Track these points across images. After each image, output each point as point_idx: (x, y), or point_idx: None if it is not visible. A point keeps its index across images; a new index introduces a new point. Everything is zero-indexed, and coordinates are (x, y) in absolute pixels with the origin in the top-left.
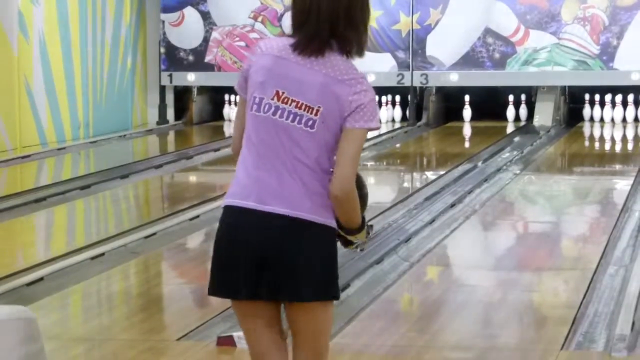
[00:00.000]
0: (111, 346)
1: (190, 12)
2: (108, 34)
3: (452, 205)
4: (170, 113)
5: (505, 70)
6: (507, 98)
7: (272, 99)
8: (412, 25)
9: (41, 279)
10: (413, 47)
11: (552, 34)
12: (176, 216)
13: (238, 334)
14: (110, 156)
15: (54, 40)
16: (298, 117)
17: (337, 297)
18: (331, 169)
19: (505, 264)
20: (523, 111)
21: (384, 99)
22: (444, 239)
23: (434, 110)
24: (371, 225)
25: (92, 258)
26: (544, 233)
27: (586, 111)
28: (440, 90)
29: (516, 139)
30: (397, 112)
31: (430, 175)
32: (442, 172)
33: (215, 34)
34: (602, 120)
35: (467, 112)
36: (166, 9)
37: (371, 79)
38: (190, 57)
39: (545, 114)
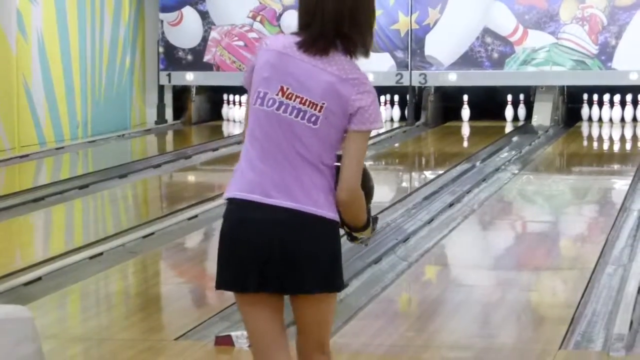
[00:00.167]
0: (109, 346)
1: (188, 12)
2: (106, 33)
3: (451, 205)
4: (168, 113)
5: (503, 70)
6: (505, 98)
7: (277, 95)
8: (411, 25)
9: (39, 278)
10: (412, 47)
11: (550, 34)
12: (174, 216)
13: (236, 334)
14: (109, 156)
15: (53, 40)
16: (302, 113)
17: (340, 289)
18: (333, 165)
19: (504, 264)
20: (521, 111)
21: (382, 98)
22: (442, 239)
23: (432, 109)
24: (376, 218)
25: (91, 257)
26: (543, 233)
27: (584, 111)
28: (439, 90)
29: (515, 138)
30: (396, 111)
31: (429, 174)
32: (440, 172)
33: (213, 34)
34: (600, 120)
35: (465, 112)
36: (165, 9)
37: (370, 78)
38: (189, 57)
39: (543, 114)
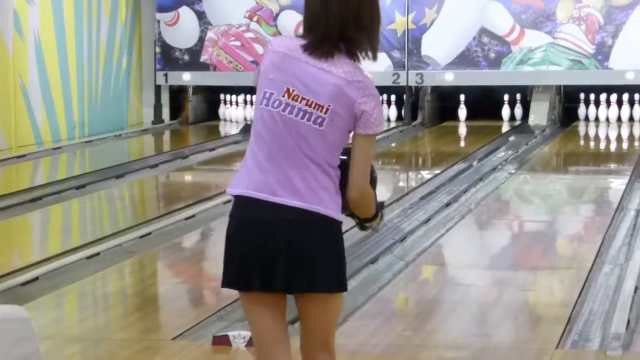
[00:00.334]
0: (106, 346)
1: (185, 12)
2: (103, 33)
3: (448, 205)
4: (165, 112)
5: (500, 69)
6: (502, 97)
7: (283, 96)
8: (408, 24)
9: (36, 278)
10: (408, 47)
11: (547, 34)
12: (171, 216)
13: (233, 334)
14: (106, 156)
15: (50, 40)
16: (307, 115)
17: (345, 289)
18: (339, 166)
19: (501, 263)
20: (518, 110)
21: None
22: (439, 238)
23: (429, 109)
24: (382, 203)
25: (88, 258)
26: (539, 232)
27: (581, 110)
28: (436, 89)
29: (511, 138)
30: (393, 111)
31: (426, 174)
32: (437, 172)
33: (210, 34)
34: (597, 119)
35: (462, 112)
36: (161, 9)
37: None
38: (186, 57)
39: (540, 114)
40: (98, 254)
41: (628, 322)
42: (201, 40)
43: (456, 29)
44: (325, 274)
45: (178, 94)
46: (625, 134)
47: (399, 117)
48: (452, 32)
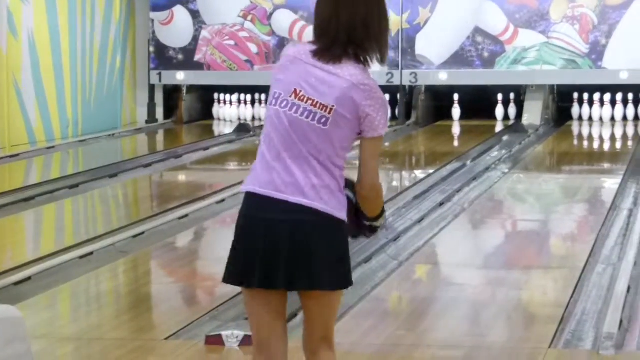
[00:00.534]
0: (99, 345)
1: (179, 11)
2: (97, 32)
3: (441, 204)
4: (159, 112)
5: (494, 69)
6: (496, 97)
7: (290, 96)
8: (402, 24)
9: (29, 278)
10: (402, 46)
11: (541, 33)
12: (165, 215)
13: (226, 333)
14: (99, 155)
15: (43, 39)
16: (312, 114)
17: (348, 286)
18: (343, 165)
19: (494, 263)
20: (512, 110)
21: None
22: (432, 238)
23: (423, 109)
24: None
25: (81, 257)
26: (533, 232)
27: (575, 110)
28: (430, 89)
29: (505, 137)
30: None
31: (420, 174)
32: (431, 171)
33: (204, 33)
34: (590, 119)
35: (456, 111)
36: (156, 8)
37: None
38: (180, 56)
39: (534, 113)
40: (91, 253)
41: (621, 322)
42: (195, 39)
43: (450, 29)
44: (327, 271)
45: (172, 93)
46: (618, 133)
47: (393, 117)
48: (446, 31)
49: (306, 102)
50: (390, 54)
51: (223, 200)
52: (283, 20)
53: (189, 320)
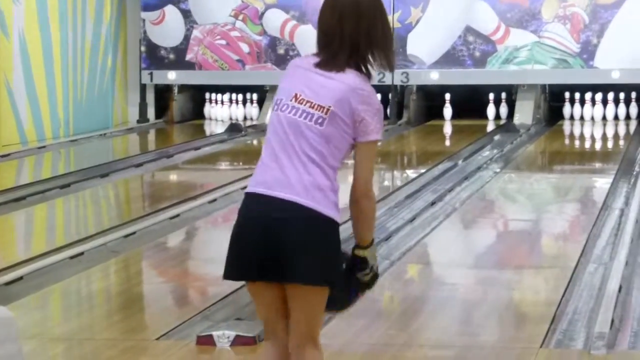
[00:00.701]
0: (91, 345)
1: (171, 11)
2: (88, 32)
3: (433, 204)
4: (150, 111)
5: (485, 68)
6: (487, 96)
7: (291, 100)
8: (393, 23)
9: (20, 278)
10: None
11: (532, 32)
12: (156, 215)
13: (217, 333)
14: (91, 155)
15: (34, 39)
16: (310, 115)
17: (331, 285)
18: (337, 166)
19: (486, 262)
20: (503, 109)
21: None
22: (424, 237)
23: (414, 108)
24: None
25: (72, 257)
26: (524, 231)
27: (566, 109)
28: (421, 88)
29: (496, 137)
30: None
31: (411, 173)
32: (422, 170)
33: (196, 32)
34: (582, 118)
35: (447, 111)
36: (147, 8)
37: None
38: (171, 56)
39: (525, 112)
40: (82, 253)
41: (612, 321)
42: (187, 39)
43: (441, 28)
44: (310, 267)
45: (163, 92)
46: (610, 133)
47: (385, 116)
48: (438, 31)
49: (305, 105)
50: None
51: (214, 200)
52: (274, 19)
53: (180, 320)
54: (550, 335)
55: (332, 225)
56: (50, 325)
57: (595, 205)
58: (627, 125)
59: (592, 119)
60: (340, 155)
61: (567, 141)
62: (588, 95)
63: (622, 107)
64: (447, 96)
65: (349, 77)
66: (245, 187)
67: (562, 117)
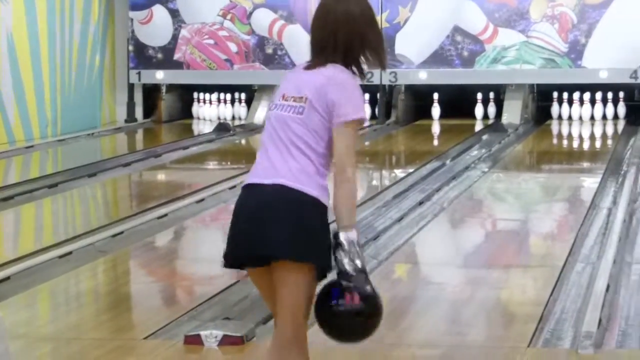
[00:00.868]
0: (78, 345)
1: (159, 10)
2: (76, 31)
3: (421, 203)
4: (138, 111)
5: (474, 68)
6: (475, 96)
7: (279, 100)
8: (381, 23)
9: (8, 277)
10: None
11: (520, 32)
12: (144, 215)
13: (205, 333)
14: (78, 154)
15: (22, 39)
16: (293, 108)
17: (315, 262)
18: (324, 152)
19: (474, 262)
20: (492, 109)
21: None
22: (412, 237)
23: (403, 108)
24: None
25: (60, 257)
26: (512, 230)
27: (554, 109)
28: (410, 88)
29: (485, 136)
30: (367, 110)
31: (399, 173)
32: (410, 170)
33: (184, 32)
34: (570, 118)
35: (436, 110)
36: (135, 7)
37: None
38: (159, 55)
39: (513, 112)
40: (70, 253)
41: (600, 320)
42: (175, 38)
43: (430, 28)
44: (293, 243)
45: (151, 92)
46: (598, 132)
47: (373, 116)
48: (426, 30)
49: (289, 100)
50: None
51: (202, 200)
52: (262, 19)
53: (168, 319)
54: (538, 335)
55: (316, 205)
56: (38, 324)
57: (583, 205)
58: (615, 125)
59: (580, 118)
60: (324, 141)
61: (555, 141)
62: (576, 95)
63: (610, 107)
64: (436, 96)
65: (328, 70)
66: (233, 187)
67: (550, 116)
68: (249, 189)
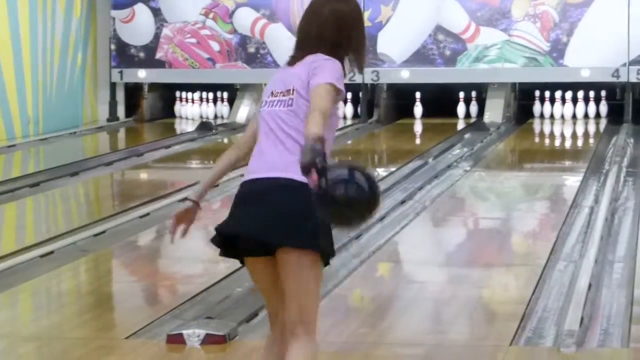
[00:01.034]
0: (61, 344)
1: (141, 9)
2: (58, 30)
3: (403, 202)
4: (120, 110)
5: (456, 67)
6: (457, 95)
7: (268, 97)
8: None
9: None
10: None
11: (502, 31)
12: (126, 214)
13: (187, 332)
14: (60, 153)
15: (4, 36)
16: (282, 102)
17: (315, 248)
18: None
19: (456, 260)
20: (474, 108)
21: None
22: (394, 236)
23: (385, 107)
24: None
25: (42, 256)
26: (494, 229)
27: (536, 108)
28: (392, 87)
29: (467, 135)
30: (349, 109)
31: (381, 171)
32: (393, 169)
33: (166, 31)
34: (552, 116)
35: (418, 109)
36: (117, 6)
37: None
38: (141, 54)
39: (495, 111)
40: (52, 252)
41: (582, 319)
42: (157, 37)
43: (412, 27)
44: (294, 231)
45: (133, 91)
46: (580, 131)
47: (355, 115)
48: (408, 29)
49: (277, 96)
50: None
51: (185, 199)
52: (245, 18)
53: (150, 319)
54: (520, 333)
55: (306, 189)
56: (20, 324)
57: (565, 204)
58: (597, 123)
59: (562, 117)
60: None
61: (537, 139)
62: (558, 94)
63: (592, 106)
64: (418, 95)
65: (310, 57)
66: (216, 186)
67: (532, 115)
68: (245, 184)
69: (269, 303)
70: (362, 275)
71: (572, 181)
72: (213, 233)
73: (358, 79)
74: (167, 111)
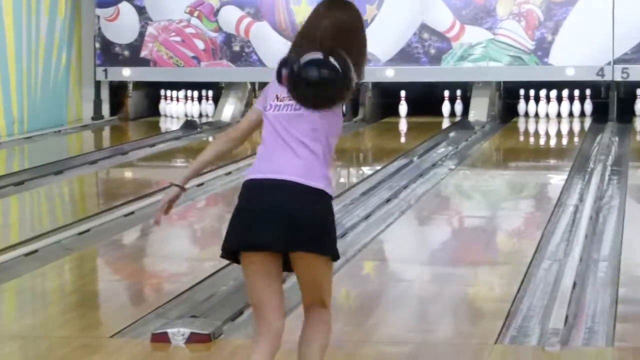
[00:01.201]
0: (45, 343)
1: (125, 7)
2: (42, 28)
3: (388, 200)
4: (105, 108)
5: (440, 65)
6: (442, 93)
7: (273, 101)
8: None
9: None
10: None
11: (487, 30)
12: (111, 212)
13: (172, 331)
14: (45, 152)
15: None
16: (289, 106)
17: (330, 254)
18: (324, 142)
19: (441, 259)
20: (458, 106)
21: None
22: (379, 234)
23: (370, 105)
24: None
25: (26, 255)
26: (479, 228)
27: (521, 106)
28: (377, 85)
29: (451, 134)
30: None
31: (367, 170)
32: (378, 168)
33: (150, 29)
34: (537, 115)
35: (403, 108)
36: (101, 4)
37: None
38: (126, 52)
39: (480, 110)
40: (37, 251)
41: (566, 317)
42: (141, 35)
43: (397, 25)
44: (317, 238)
45: (118, 89)
46: (564, 130)
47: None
48: (393, 28)
49: (284, 100)
50: None
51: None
52: (230, 16)
53: (135, 317)
54: (505, 332)
55: (323, 196)
56: (4, 322)
57: (550, 202)
58: (582, 122)
59: (547, 116)
60: (324, 128)
61: (521, 138)
62: (543, 93)
63: (576, 104)
64: (403, 93)
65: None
66: (200, 184)
67: (516, 114)
68: (254, 185)
69: (262, 296)
70: (348, 274)
71: (557, 180)
72: (197, 232)
73: None
74: (151, 110)
